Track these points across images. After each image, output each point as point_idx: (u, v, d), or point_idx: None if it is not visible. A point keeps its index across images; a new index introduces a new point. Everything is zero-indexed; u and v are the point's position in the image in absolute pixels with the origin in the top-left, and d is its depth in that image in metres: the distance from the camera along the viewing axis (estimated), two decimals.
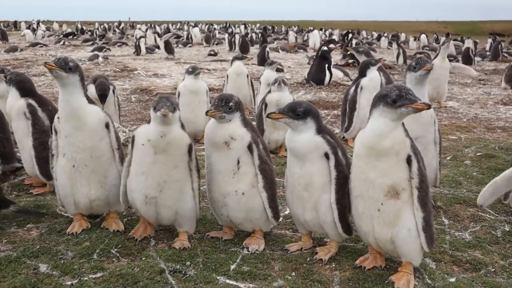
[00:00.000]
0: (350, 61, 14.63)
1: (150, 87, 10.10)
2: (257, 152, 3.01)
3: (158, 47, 19.80)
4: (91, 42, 24.28)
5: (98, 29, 35.36)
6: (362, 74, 5.84)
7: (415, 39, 27.19)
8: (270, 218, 3.16)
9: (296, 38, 28.26)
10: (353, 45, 16.29)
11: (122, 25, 42.61)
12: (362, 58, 7.14)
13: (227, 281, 2.76)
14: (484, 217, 3.75)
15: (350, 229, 3.03)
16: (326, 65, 10.50)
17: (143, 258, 2.99)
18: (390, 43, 24.86)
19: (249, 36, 24.42)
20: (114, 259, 3.00)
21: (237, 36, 20.89)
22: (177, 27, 45.40)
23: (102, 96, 5.54)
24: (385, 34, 29.13)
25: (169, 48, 17.12)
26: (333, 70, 10.81)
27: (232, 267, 2.91)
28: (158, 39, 18.10)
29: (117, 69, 12.97)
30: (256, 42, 23.72)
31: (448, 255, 3.11)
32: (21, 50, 18.46)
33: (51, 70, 3.14)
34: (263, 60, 12.81)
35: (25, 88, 4.06)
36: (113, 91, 5.74)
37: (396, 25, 60.03)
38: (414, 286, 2.72)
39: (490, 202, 3.60)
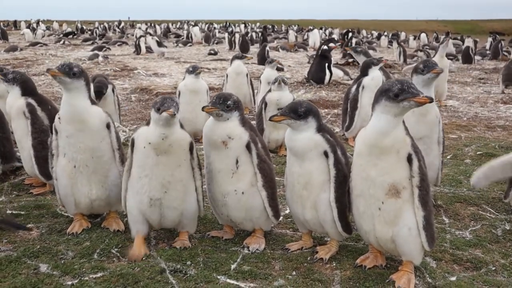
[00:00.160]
0: (350, 60, 14.62)
1: (150, 86, 10.10)
2: (256, 151, 3.01)
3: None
4: (91, 42, 24.28)
5: (98, 28, 35.32)
6: (364, 73, 5.84)
7: (415, 38, 27.19)
8: (270, 217, 3.16)
9: (296, 37, 28.24)
10: (353, 44, 16.29)
11: (122, 24, 42.58)
12: (360, 58, 7.13)
13: (228, 280, 2.76)
14: (484, 216, 3.75)
15: (349, 228, 3.03)
16: (326, 64, 10.49)
17: (143, 258, 2.99)
18: (390, 42, 24.84)
19: (249, 35, 24.39)
20: (115, 259, 3.00)
21: (237, 35, 20.88)
22: (177, 26, 45.40)
23: (98, 93, 5.52)
24: (385, 33, 29.11)
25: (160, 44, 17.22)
26: (333, 69, 10.81)
27: (233, 266, 2.91)
28: (149, 38, 18.06)
29: (117, 69, 12.97)
30: (256, 41, 23.70)
31: (448, 254, 3.11)
32: (21, 49, 18.45)
33: (54, 76, 3.13)
34: (263, 59, 12.80)
35: (27, 87, 4.06)
36: (113, 90, 5.74)
37: (396, 24, 60.00)
38: (415, 285, 2.72)
39: (483, 184, 3.70)
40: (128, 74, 12.07)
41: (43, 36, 28.14)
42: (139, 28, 31.40)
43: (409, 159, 2.60)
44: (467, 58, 15.94)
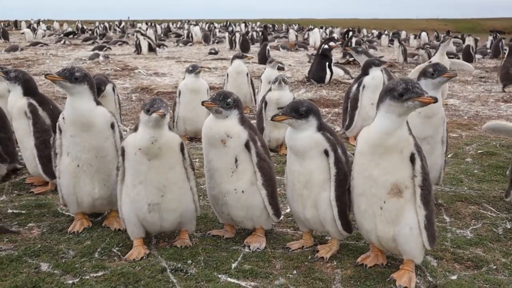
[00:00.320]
0: (351, 59, 14.62)
1: (151, 86, 10.10)
2: (255, 149, 3.01)
3: (159, 46, 19.79)
4: (91, 41, 24.29)
5: (98, 28, 35.35)
6: (365, 72, 5.84)
7: (415, 37, 27.17)
8: (270, 215, 3.16)
9: (296, 36, 28.21)
10: (353, 43, 16.28)
11: (123, 24, 42.60)
12: (361, 58, 7.13)
13: (229, 279, 2.76)
14: (485, 215, 3.75)
15: (350, 227, 3.03)
16: (327, 63, 10.49)
17: (144, 257, 2.99)
18: (391, 41, 24.82)
19: (249, 34, 24.40)
20: (116, 258, 3.00)
21: (237, 35, 20.89)
22: (178, 25, 45.41)
23: (97, 90, 5.50)
24: (386, 32, 29.08)
25: (151, 47, 17.24)
26: (334, 68, 10.81)
27: (234, 265, 2.91)
28: (141, 38, 18.06)
29: (118, 68, 12.97)
30: (256, 40, 23.69)
31: (449, 253, 3.11)
32: (22, 49, 18.45)
33: (54, 81, 3.12)
34: (263, 58, 12.80)
35: (29, 87, 4.06)
36: (114, 90, 5.74)
37: (397, 23, 59.96)
38: (416, 284, 2.72)
39: (490, 131, 4.36)
40: (129, 74, 12.07)
41: (43, 36, 28.15)
42: (140, 27, 31.41)
43: (412, 159, 2.60)
44: (468, 56, 15.91)
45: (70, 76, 3.10)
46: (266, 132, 5.33)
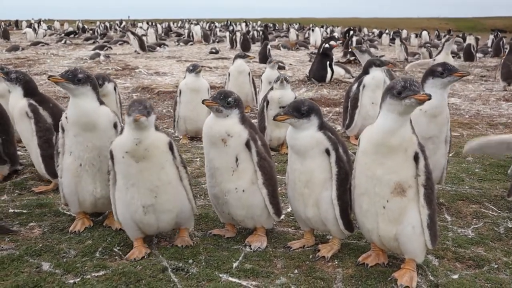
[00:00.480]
0: (352, 58, 14.62)
1: (152, 85, 10.11)
2: (255, 149, 3.00)
3: (160, 45, 19.81)
4: (92, 41, 24.30)
5: (99, 27, 35.36)
6: (366, 72, 5.84)
7: (416, 36, 27.13)
8: (271, 215, 3.15)
9: (297, 35, 28.19)
10: (354, 42, 16.28)
11: (124, 23, 42.60)
12: (364, 58, 7.13)
13: (230, 278, 2.76)
14: (486, 214, 3.75)
15: (351, 226, 3.02)
16: (328, 62, 10.49)
17: (145, 256, 2.99)
18: (391, 40, 24.81)
19: (250, 33, 24.41)
20: (117, 257, 3.00)
21: (238, 34, 20.89)
22: (178, 25, 45.42)
23: None
24: (387, 31, 29.06)
25: (143, 45, 17.15)
26: (335, 67, 10.80)
27: (235, 264, 2.91)
28: (131, 37, 18.06)
29: (119, 68, 12.97)
30: (257, 39, 23.69)
31: (451, 252, 3.11)
32: (23, 49, 18.47)
33: (56, 83, 3.12)
34: (264, 57, 12.80)
35: (29, 88, 4.06)
36: (115, 89, 5.73)
37: (398, 21, 59.91)
38: (417, 283, 2.72)
39: (474, 153, 4.03)
40: (130, 73, 12.08)
41: (44, 36, 28.17)
42: (140, 27, 31.41)
43: (416, 158, 2.60)
44: (469, 55, 15.89)
45: (73, 77, 3.09)
46: (268, 131, 5.33)
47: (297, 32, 29.51)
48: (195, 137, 6.06)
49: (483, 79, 11.73)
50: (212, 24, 39.01)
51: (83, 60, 15.18)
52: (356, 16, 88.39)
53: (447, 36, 10.67)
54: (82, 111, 3.14)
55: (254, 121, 4.98)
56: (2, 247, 3.08)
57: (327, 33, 28.15)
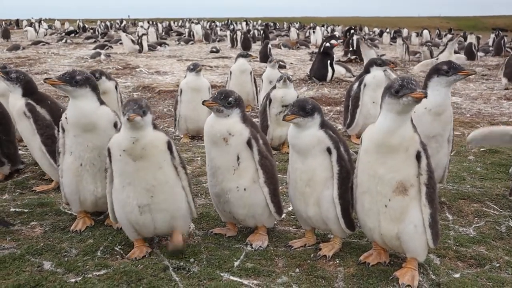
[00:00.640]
0: (353, 57, 14.62)
1: (153, 84, 10.11)
2: (257, 147, 3.00)
3: (160, 45, 19.82)
4: (93, 40, 24.30)
5: (100, 27, 35.35)
6: (367, 71, 5.84)
7: (417, 35, 27.11)
8: (273, 213, 3.15)
9: (298, 34, 28.19)
10: (354, 42, 16.29)
11: (124, 22, 42.60)
12: (369, 54, 7.12)
13: (231, 277, 2.76)
14: (488, 213, 3.74)
15: (353, 225, 3.02)
16: (329, 61, 10.49)
17: (146, 255, 2.98)
18: (392, 39, 24.78)
19: (251, 32, 24.41)
20: (118, 256, 3.00)
21: (239, 33, 20.88)
22: (179, 24, 45.41)
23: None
24: (387, 30, 29.04)
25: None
26: (336, 66, 10.80)
27: (236, 263, 2.91)
28: (123, 36, 18.09)
29: (119, 67, 12.98)
30: (258, 38, 23.70)
31: (452, 251, 3.10)
32: (23, 48, 18.48)
33: (54, 85, 3.11)
34: (265, 56, 12.80)
35: (29, 87, 4.05)
36: (116, 88, 5.73)
37: (398, 20, 59.87)
38: (419, 282, 2.72)
39: (477, 144, 4.05)
40: (130, 72, 12.08)
41: (45, 35, 28.18)
42: (141, 26, 31.41)
43: (418, 157, 2.60)
44: (470, 54, 15.87)
45: (71, 79, 3.08)
46: (270, 130, 5.34)
47: (297, 31, 29.51)
48: (196, 136, 6.06)
49: (484, 78, 11.71)
50: (212, 23, 39.02)
51: (84, 59, 15.18)
52: (357, 15, 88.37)
53: (451, 36, 10.64)
54: (82, 113, 3.14)
55: (255, 120, 4.97)
56: (4, 246, 3.09)
57: (328, 32, 28.12)
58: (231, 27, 34.88)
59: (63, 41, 23.51)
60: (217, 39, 25.47)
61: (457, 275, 2.82)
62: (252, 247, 3.11)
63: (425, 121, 3.49)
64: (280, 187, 3.28)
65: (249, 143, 2.99)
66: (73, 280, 2.70)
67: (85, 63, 14.03)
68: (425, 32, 28.17)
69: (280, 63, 7.96)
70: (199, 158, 5.08)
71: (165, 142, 2.85)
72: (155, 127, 2.86)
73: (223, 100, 2.96)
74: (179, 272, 2.80)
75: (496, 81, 10.98)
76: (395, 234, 2.72)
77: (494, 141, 4.02)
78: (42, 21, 39.74)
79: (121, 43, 22.31)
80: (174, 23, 45.97)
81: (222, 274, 2.79)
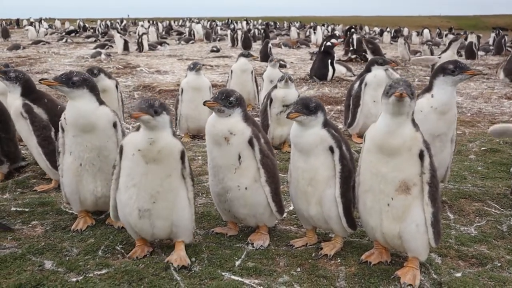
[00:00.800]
0: (353, 56, 14.61)
1: (153, 83, 10.11)
2: (258, 146, 2.99)
3: (161, 44, 19.80)
4: (93, 39, 24.29)
5: (100, 26, 35.34)
6: (368, 70, 5.84)
7: (418, 34, 27.10)
8: (274, 213, 3.15)
9: (298, 34, 28.17)
10: (354, 41, 16.28)
11: (124, 22, 42.59)
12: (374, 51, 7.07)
13: (232, 277, 2.76)
14: (489, 212, 3.74)
15: (354, 224, 3.02)
16: (329, 61, 10.48)
17: (147, 255, 2.98)
18: (393, 38, 24.76)
19: (251, 32, 24.38)
20: (119, 256, 3.00)
21: (239, 32, 20.86)
22: (179, 23, 45.39)
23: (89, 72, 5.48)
24: (388, 29, 29.01)
25: (126, 46, 17.19)
26: (336, 65, 10.80)
27: (237, 263, 2.91)
28: (117, 36, 18.08)
29: (120, 66, 12.97)
30: (258, 38, 23.67)
31: (453, 250, 3.10)
32: (24, 48, 18.47)
33: (50, 86, 3.09)
34: (265, 56, 12.79)
35: (28, 87, 4.04)
36: (116, 87, 5.73)
37: (399, 19, 59.84)
38: (420, 281, 2.71)
39: (496, 136, 4.36)
40: (131, 72, 12.07)
41: (45, 34, 28.17)
42: (142, 25, 31.40)
43: (421, 156, 2.60)
44: (471, 53, 15.86)
45: (67, 80, 3.07)
46: (270, 129, 5.34)
47: (298, 31, 29.49)
48: (197, 135, 6.06)
49: (485, 77, 11.70)
50: (213, 23, 39.00)
51: (84, 58, 15.18)
52: (357, 15, 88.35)
53: (455, 36, 10.58)
54: (80, 113, 3.13)
55: (256, 119, 4.97)
56: (5, 246, 3.08)
57: (328, 32, 28.11)
58: (232, 26, 34.87)
59: (64, 40, 23.51)
60: (218, 39, 25.46)
61: (458, 275, 2.82)
62: (253, 247, 3.11)
63: (431, 119, 3.50)
64: (281, 186, 3.28)
65: (250, 142, 2.98)
66: (74, 279, 2.70)
67: (85, 63, 14.02)
68: (426, 31, 28.15)
69: (281, 62, 7.95)
70: (200, 157, 5.07)
71: (180, 151, 2.81)
72: (173, 133, 2.81)
73: (224, 100, 2.96)
74: (180, 271, 2.80)
75: (497, 80, 10.98)
76: (397, 233, 2.72)
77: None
78: (43, 21, 39.73)
79: None
80: (174, 22, 45.95)
81: (223, 274, 2.79)
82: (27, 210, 3.67)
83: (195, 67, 5.82)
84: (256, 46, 18.77)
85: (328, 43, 10.55)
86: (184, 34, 27.98)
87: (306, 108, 2.84)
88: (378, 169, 2.67)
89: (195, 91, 5.78)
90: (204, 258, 2.96)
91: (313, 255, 3.01)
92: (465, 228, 3.46)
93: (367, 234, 3.02)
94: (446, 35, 28.35)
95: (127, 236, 3.20)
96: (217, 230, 3.34)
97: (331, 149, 2.87)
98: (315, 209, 2.98)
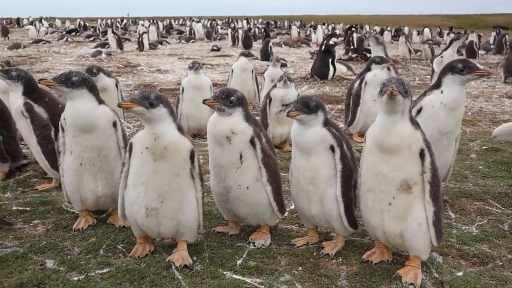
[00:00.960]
0: (354, 55, 14.60)
1: (154, 82, 10.11)
2: (260, 145, 2.99)
3: (161, 43, 19.80)
4: (93, 38, 24.28)
5: (100, 25, 35.32)
6: (367, 69, 5.84)
7: (418, 33, 27.07)
8: (275, 212, 3.15)
9: (299, 33, 28.15)
10: (355, 40, 16.25)
11: (125, 21, 42.58)
12: (377, 50, 7.08)
13: (234, 276, 2.76)
14: (490, 211, 3.74)
15: (355, 223, 3.02)
16: (330, 60, 10.48)
17: (149, 254, 2.98)
18: (393, 37, 24.74)
19: (252, 31, 24.36)
20: (121, 255, 3.00)
21: (240, 31, 20.85)
22: (180, 22, 45.37)
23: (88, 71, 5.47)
24: (388, 28, 28.98)
25: (120, 43, 17.13)
26: (337, 64, 10.79)
27: (239, 262, 2.91)
28: (111, 35, 18.09)
29: (121, 65, 12.97)
30: (259, 37, 23.66)
31: (455, 249, 3.10)
32: (24, 47, 18.46)
33: (49, 86, 3.09)
34: (266, 55, 12.79)
35: (30, 86, 4.04)
36: (117, 86, 5.73)
37: (399, 18, 59.80)
38: (422, 280, 2.71)
39: (501, 139, 4.27)
40: (132, 71, 12.07)
41: (46, 33, 28.16)
42: (142, 25, 31.40)
43: (422, 154, 2.60)
44: (471, 52, 15.85)
45: (67, 81, 3.07)
46: (270, 129, 5.33)
47: (298, 30, 29.47)
48: (198, 134, 6.06)
49: (485, 76, 11.67)
50: (213, 22, 38.96)
51: (85, 57, 15.18)
52: (357, 14, 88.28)
53: (457, 35, 10.53)
54: (79, 113, 3.13)
55: (257, 118, 4.97)
56: (6, 245, 3.09)
57: (329, 31, 28.09)
58: (232, 25, 34.85)
59: (64, 39, 23.50)
60: (218, 38, 25.44)
61: (460, 274, 2.82)
62: (255, 246, 3.11)
63: (441, 115, 3.51)
64: (282, 186, 3.28)
65: (252, 142, 2.98)
66: (75, 278, 2.70)
67: (86, 62, 14.02)
68: (426, 30, 28.12)
69: (281, 61, 7.94)
70: (200, 156, 5.07)
71: (189, 151, 2.80)
72: (181, 131, 2.81)
73: (225, 99, 2.95)
74: (182, 270, 2.80)
75: (498, 79, 10.97)
76: (398, 232, 2.72)
77: None
78: (43, 20, 39.72)
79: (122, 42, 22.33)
80: (175, 21, 45.91)
81: (224, 273, 2.79)
82: (28, 209, 3.68)
83: (193, 67, 5.82)
84: (257, 45, 18.76)
85: (331, 42, 10.55)
86: (185, 33, 27.97)
87: (307, 106, 2.84)
88: (379, 169, 2.67)
89: (195, 90, 5.78)
90: (206, 257, 2.96)
91: (314, 254, 3.01)
92: (467, 227, 3.46)
93: (369, 233, 3.02)
94: (447, 34, 28.33)
95: (128, 235, 3.21)
96: (218, 229, 3.34)
97: (332, 148, 2.86)
98: (316, 208, 2.98)
